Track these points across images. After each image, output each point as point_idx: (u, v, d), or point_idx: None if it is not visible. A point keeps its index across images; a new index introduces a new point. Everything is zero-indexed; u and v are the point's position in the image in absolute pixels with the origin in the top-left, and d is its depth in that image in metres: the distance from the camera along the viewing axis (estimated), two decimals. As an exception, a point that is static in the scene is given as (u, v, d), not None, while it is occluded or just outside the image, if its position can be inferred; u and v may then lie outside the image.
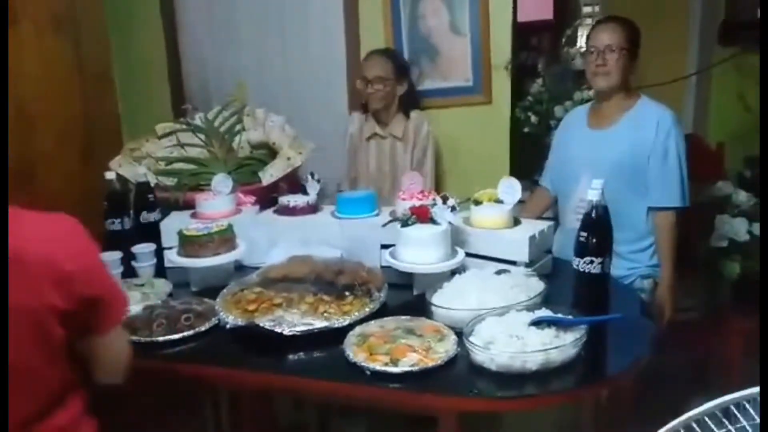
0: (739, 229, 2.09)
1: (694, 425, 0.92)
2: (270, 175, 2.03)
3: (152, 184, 1.91)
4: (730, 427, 0.90)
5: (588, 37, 1.99)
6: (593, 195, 1.32)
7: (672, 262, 1.90)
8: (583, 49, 2.74)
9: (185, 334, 1.36)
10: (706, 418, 0.92)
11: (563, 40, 2.76)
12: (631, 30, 1.93)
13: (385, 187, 2.33)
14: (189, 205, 1.91)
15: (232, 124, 2.21)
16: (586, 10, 4.24)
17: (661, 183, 1.89)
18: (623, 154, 1.91)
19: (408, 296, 1.56)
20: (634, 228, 1.92)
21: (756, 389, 0.90)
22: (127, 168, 2.02)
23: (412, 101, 2.40)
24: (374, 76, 2.32)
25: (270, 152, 2.17)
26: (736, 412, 0.91)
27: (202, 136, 2.15)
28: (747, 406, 0.90)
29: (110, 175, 1.86)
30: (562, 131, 2.18)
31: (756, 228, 2.07)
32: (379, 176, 2.40)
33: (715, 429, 0.91)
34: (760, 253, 2.03)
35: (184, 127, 2.19)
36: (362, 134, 2.45)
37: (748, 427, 0.89)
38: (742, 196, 2.24)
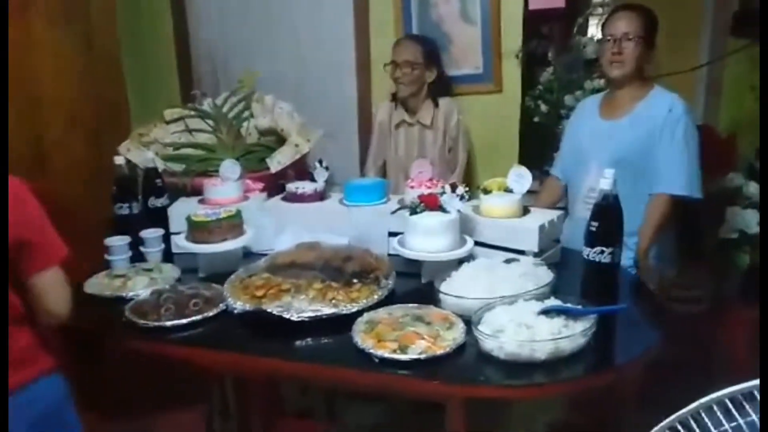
0: (750, 221, 2.07)
1: (703, 414, 0.91)
2: (278, 162, 2.02)
3: (160, 170, 1.91)
4: (738, 418, 0.89)
5: (604, 25, 1.96)
6: (605, 184, 1.31)
7: (647, 242, 1.85)
8: (595, 38, 2.72)
9: (193, 318, 1.36)
10: (715, 407, 0.91)
11: (575, 28, 2.72)
12: (648, 18, 1.90)
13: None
14: (197, 191, 1.91)
15: (240, 110, 2.20)
16: (597, -1, 4.20)
17: (663, 169, 1.85)
18: (634, 145, 1.89)
19: (416, 284, 1.56)
20: (642, 219, 1.90)
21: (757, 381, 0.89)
22: (135, 153, 2.02)
23: (441, 88, 2.38)
24: (403, 60, 2.31)
25: (278, 139, 2.17)
26: (744, 402, 0.90)
27: (211, 122, 2.14)
28: (755, 393, 0.90)
29: (119, 160, 1.86)
30: (575, 120, 2.16)
31: (767, 220, 2.05)
32: (408, 162, 2.37)
33: (722, 419, 0.90)
34: (760, 246, 2.01)
35: (192, 113, 2.18)
36: (391, 122, 2.44)
37: (756, 419, 0.88)
38: (753, 188, 2.21)
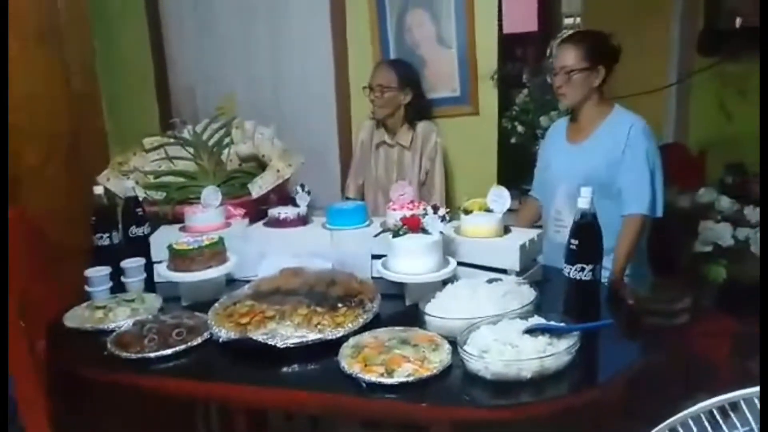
0: (724, 234, 2.13)
1: (691, 422, 0.92)
2: (259, 187, 2.03)
3: (140, 198, 1.90)
4: (724, 427, 0.91)
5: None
6: (583, 203, 1.34)
7: (624, 262, 1.89)
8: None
9: (177, 348, 1.34)
10: (701, 415, 0.92)
11: (548, 51, 2.80)
12: (592, 46, 1.95)
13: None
14: (178, 219, 1.90)
15: (220, 136, 2.21)
16: (568, 21, 4.31)
17: (629, 190, 1.90)
18: (598, 166, 1.94)
19: (400, 306, 1.56)
20: (612, 236, 1.92)
21: (747, 390, 0.91)
22: (115, 182, 2.01)
23: (419, 111, 2.41)
24: (376, 84, 2.36)
25: (259, 165, 2.17)
26: (731, 412, 0.92)
27: (191, 150, 2.14)
28: (741, 403, 0.91)
29: (98, 190, 1.83)
30: (546, 143, 2.23)
31: (740, 233, 2.10)
32: (387, 183, 2.42)
33: (709, 429, 0.92)
34: (760, 254, 2.06)
35: (171, 140, 2.18)
36: (372, 141, 2.47)
37: (755, 427, 0.89)
38: (725, 202, 2.28)
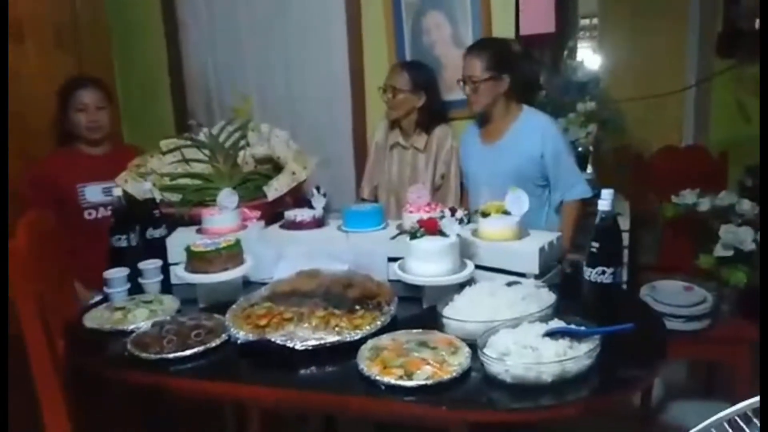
0: (745, 238, 2.09)
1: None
2: (275, 189, 2.03)
3: (157, 201, 1.91)
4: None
5: None
6: (603, 205, 1.32)
7: (569, 241, 2.00)
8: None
9: (196, 350, 1.35)
10: (724, 424, 0.91)
11: (565, 52, 2.78)
12: (494, 56, 2.06)
13: (403, 196, 2.33)
14: (194, 221, 1.91)
15: (236, 139, 2.21)
16: (584, 22, 4.28)
17: (565, 180, 2.09)
18: (513, 164, 2.07)
19: (417, 309, 1.56)
20: (538, 228, 1.83)
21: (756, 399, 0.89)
22: (132, 184, 2.02)
23: (432, 115, 2.39)
24: (389, 85, 2.35)
25: (275, 167, 2.18)
26: (754, 418, 0.90)
27: (207, 152, 2.15)
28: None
29: (116, 192, 1.85)
30: (462, 148, 2.32)
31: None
32: (400, 185, 2.41)
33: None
34: (760, 262, 2.03)
35: (188, 143, 2.19)
36: (387, 142, 2.47)
37: None
38: (746, 205, 2.24)
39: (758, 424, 0.89)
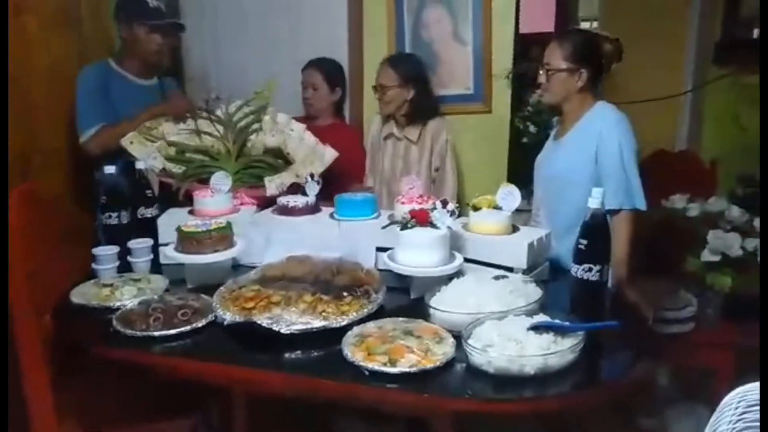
0: (733, 244, 2.11)
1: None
2: (276, 186, 2.00)
3: (159, 168, 1.88)
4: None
5: None
6: (593, 203, 1.33)
7: (625, 263, 1.85)
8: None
9: (182, 329, 1.35)
10: None
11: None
12: (576, 47, 1.93)
13: (394, 187, 2.34)
14: (190, 197, 1.90)
15: (250, 121, 2.17)
16: (584, 25, 4.30)
17: (619, 185, 1.86)
18: (564, 166, 1.96)
19: (405, 300, 1.57)
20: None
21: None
22: (137, 146, 1.99)
23: (423, 107, 2.40)
24: (378, 83, 2.38)
25: (284, 159, 2.15)
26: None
27: (220, 129, 2.12)
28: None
29: (109, 169, 1.85)
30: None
31: (748, 243, 2.08)
32: (392, 175, 2.43)
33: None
34: (760, 249, 2.04)
35: (203, 114, 2.16)
36: (381, 134, 2.48)
37: None
38: (735, 212, 2.26)
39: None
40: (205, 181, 1.93)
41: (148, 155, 1.84)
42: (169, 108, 2.20)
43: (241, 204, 1.90)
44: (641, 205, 1.89)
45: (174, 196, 1.97)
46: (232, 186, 1.87)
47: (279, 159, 2.16)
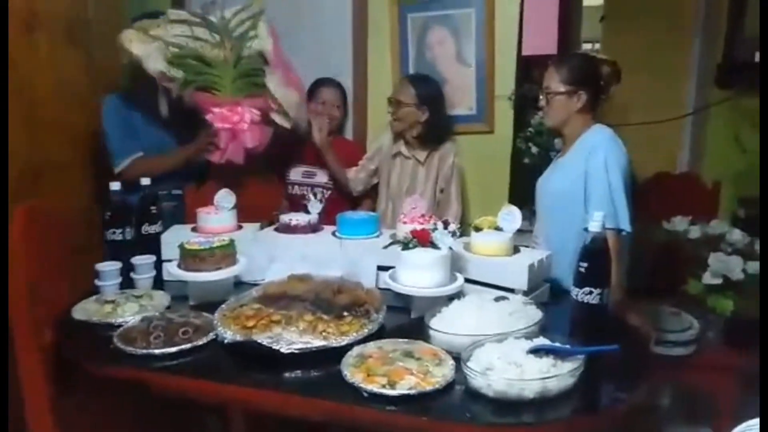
0: (734, 267, 2.11)
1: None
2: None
3: (159, 71, 1.86)
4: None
5: None
6: (594, 227, 1.34)
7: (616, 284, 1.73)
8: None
9: (182, 347, 1.35)
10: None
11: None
12: (573, 71, 1.95)
13: (400, 204, 2.35)
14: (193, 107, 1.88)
15: (247, 28, 2.15)
16: (586, 47, 4.33)
17: (602, 202, 1.80)
18: (558, 185, 1.98)
19: (405, 319, 1.57)
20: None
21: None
22: (138, 45, 1.97)
23: (435, 131, 2.41)
24: (394, 98, 2.40)
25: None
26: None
27: (216, 36, 2.10)
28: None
29: (114, 186, 1.86)
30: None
31: (750, 266, 2.09)
32: (398, 194, 2.44)
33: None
34: (760, 249, 2.04)
35: (197, 19, 2.13)
36: (390, 151, 2.50)
37: None
38: (737, 235, 2.26)
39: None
40: (204, 89, 1.91)
41: (148, 54, 1.80)
42: (200, 146, 2.21)
43: (242, 117, 1.92)
44: (625, 225, 1.82)
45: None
46: (232, 95, 1.85)
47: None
